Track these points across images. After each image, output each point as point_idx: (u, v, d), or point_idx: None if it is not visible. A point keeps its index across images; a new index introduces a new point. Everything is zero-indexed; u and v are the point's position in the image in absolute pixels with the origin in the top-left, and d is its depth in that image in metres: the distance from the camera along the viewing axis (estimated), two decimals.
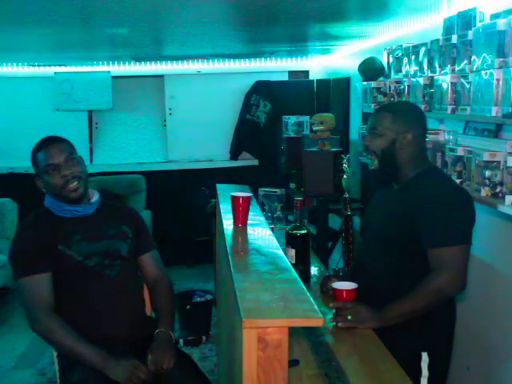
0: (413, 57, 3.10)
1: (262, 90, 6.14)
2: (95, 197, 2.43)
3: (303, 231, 2.52)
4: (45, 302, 2.25)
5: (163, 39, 4.48)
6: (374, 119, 2.28)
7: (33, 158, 2.35)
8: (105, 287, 2.33)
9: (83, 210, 2.38)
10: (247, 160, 6.31)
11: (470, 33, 2.45)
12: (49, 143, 2.33)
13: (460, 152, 2.56)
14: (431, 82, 2.84)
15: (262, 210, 3.72)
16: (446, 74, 2.67)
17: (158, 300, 2.48)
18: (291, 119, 5.23)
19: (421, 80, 2.94)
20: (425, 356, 2.15)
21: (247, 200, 2.05)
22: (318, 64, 6.28)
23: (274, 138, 5.66)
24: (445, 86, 2.65)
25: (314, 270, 2.71)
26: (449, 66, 2.65)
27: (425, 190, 2.16)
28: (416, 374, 2.10)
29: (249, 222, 2.06)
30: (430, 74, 2.88)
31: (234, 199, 2.04)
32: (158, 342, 2.29)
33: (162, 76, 6.30)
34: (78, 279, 2.31)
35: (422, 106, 2.83)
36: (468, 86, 2.47)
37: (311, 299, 1.36)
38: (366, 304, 2.12)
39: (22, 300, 2.30)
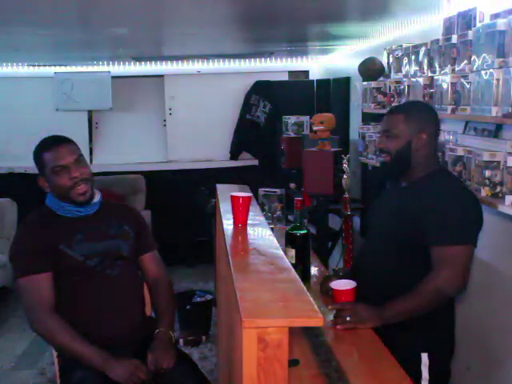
0: (413, 57, 3.10)
1: (262, 90, 6.13)
2: (97, 197, 2.43)
3: (303, 231, 2.52)
4: (45, 302, 2.25)
5: (163, 39, 4.48)
6: (387, 121, 2.27)
7: (38, 158, 2.33)
8: (105, 287, 2.33)
9: (85, 210, 2.38)
10: (247, 160, 6.30)
11: (470, 33, 2.45)
12: (57, 143, 2.32)
13: (460, 152, 2.56)
14: (431, 82, 2.84)
15: (262, 210, 3.72)
16: (446, 73, 2.67)
17: (159, 300, 2.48)
18: (291, 119, 5.23)
19: (421, 80, 2.94)
20: (424, 358, 2.14)
21: (247, 200, 2.05)
22: (318, 64, 6.28)
23: (274, 138, 5.66)
24: (445, 86, 2.65)
25: (313, 270, 2.71)
26: (449, 65, 2.65)
27: (434, 189, 2.16)
28: (417, 375, 2.10)
29: (249, 222, 2.06)
30: (430, 74, 2.88)
31: (234, 199, 2.04)
32: (158, 342, 2.29)
33: (162, 76, 6.30)
34: (78, 279, 2.31)
35: None
36: (468, 86, 2.47)
37: (311, 299, 1.36)
38: (367, 302, 2.12)
39: (22, 300, 2.30)
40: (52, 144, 2.32)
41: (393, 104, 3.37)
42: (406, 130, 2.20)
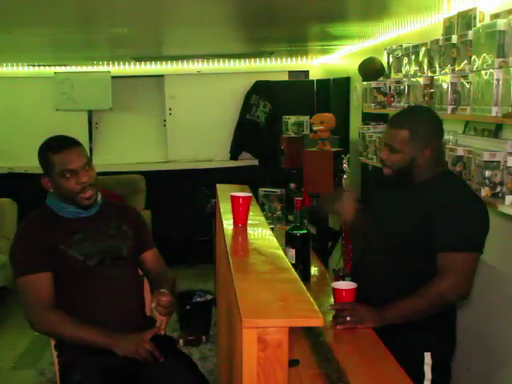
0: (413, 57, 3.10)
1: (262, 90, 6.13)
2: (98, 198, 2.43)
3: (303, 231, 2.52)
4: (44, 300, 2.25)
5: (163, 39, 4.48)
6: (391, 135, 2.21)
7: (45, 158, 2.31)
8: (105, 287, 2.33)
9: (85, 212, 2.38)
10: (247, 160, 6.30)
11: (470, 33, 2.45)
12: (67, 146, 2.31)
13: (460, 152, 2.55)
14: (431, 82, 2.84)
15: (262, 210, 3.72)
16: (445, 74, 2.67)
17: (160, 281, 2.42)
18: (291, 119, 5.23)
19: (421, 80, 2.94)
20: (428, 358, 2.14)
21: (247, 200, 2.05)
22: (318, 64, 6.28)
23: (274, 137, 5.66)
24: (445, 86, 2.65)
25: (313, 270, 2.71)
26: (449, 65, 2.64)
27: (441, 193, 2.14)
28: (417, 376, 2.10)
29: (249, 221, 2.06)
30: (430, 74, 2.88)
31: (234, 199, 2.04)
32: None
33: (162, 76, 6.30)
34: (78, 279, 2.31)
35: None
36: (468, 86, 2.47)
37: (311, 299, 1.36)
38: (367, 303, 2.12)
39: (22, 299, 2.30)
40: (61, 146, 2.31)
41: (392, 104, 3.36)
42: (410, 148, 2.15)
